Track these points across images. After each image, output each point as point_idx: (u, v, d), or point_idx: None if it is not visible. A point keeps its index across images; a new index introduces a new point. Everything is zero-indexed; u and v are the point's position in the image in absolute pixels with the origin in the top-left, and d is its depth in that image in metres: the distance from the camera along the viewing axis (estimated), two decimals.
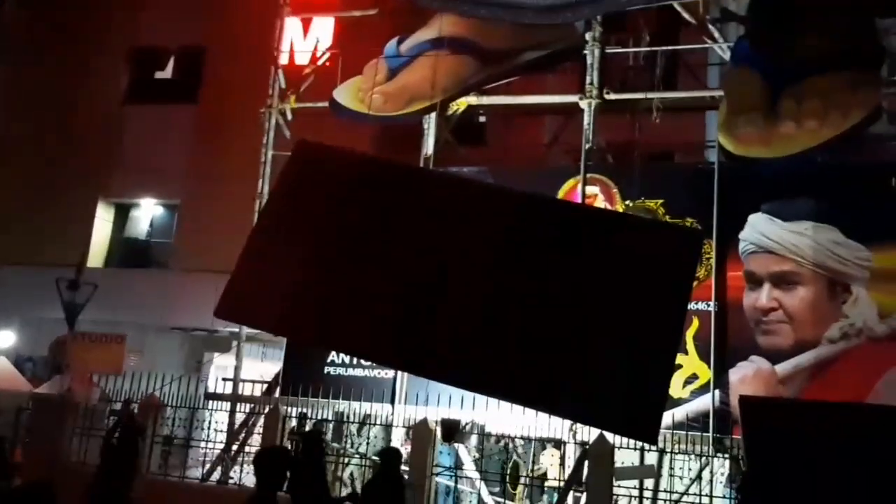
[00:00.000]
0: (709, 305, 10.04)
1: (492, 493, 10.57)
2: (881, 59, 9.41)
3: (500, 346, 3.38)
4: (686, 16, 11.06)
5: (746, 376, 9.68)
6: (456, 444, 10.36)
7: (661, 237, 3.80)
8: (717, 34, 11.14)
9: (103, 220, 18.51)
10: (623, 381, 3.26)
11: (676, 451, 9.35)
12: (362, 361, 11.46)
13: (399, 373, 11.10)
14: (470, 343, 3.40)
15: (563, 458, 10.09)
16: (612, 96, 11.19)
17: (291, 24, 13.67)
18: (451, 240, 3.63)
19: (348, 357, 11.54)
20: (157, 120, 18.00)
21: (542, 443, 10.29)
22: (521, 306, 3.45)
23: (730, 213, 10.05)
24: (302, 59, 13.52)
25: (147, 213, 18.87)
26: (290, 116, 13.13)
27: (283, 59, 13.47)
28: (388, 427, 10.72)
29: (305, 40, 13.69)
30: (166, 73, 18.97)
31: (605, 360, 3.31)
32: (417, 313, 3.49)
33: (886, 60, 10.25)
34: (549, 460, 10.83)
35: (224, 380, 12.58)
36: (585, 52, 11.24)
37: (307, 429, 11.88)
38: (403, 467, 8.61)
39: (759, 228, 9.92)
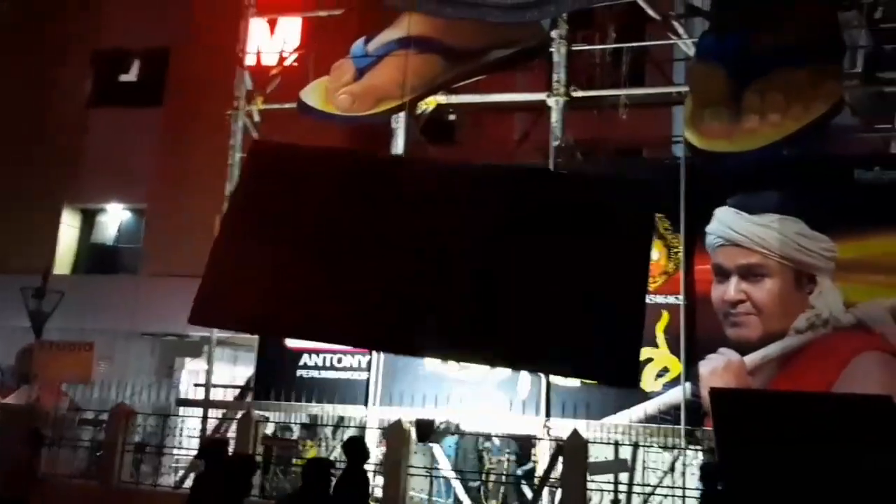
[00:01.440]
0: (678, 299, 10.13)
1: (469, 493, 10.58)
2: (842, 53, 9.56)
3: (477, 313, 3.44)
4: (651, 12, 11.15)
5: (716, 368, 9.79)
6: (431, 444, 10.35)
7: (617, 192, 3.87)
8: (681, 30, 11.23)
9: (69, 227, 18.26)
10: (598, 331, 3.34)
11: (649, 444, 9.43)
12: (335, 363, 11.43)
13: (373, 374, 11.09)
14: (447, 314, 3.46)
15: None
16: (580, 93, 11.25)
17: (257, 25, 13.55)
18: (414, 219, 3.69)
19: (321, 359, 11.50)
20: (123, 123, 17.77)
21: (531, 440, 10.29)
22: (493, 273, 3.51)
23: (697, 207, 10.15)
24: (269, 59, 13.41)
25: (114, 218, 18.63)
26: (257, 118, 13.03)
27: (250, 61, 13.35)
28: (362, 429, 10.69)
29: (272, 41, 13.59)
30: (131, 75, 18.73)
31: (579, 313, 3.38)
32: (390, 293, 3.53)
33: (847, 53, 10.41)
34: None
35: (196, 385, 12.46)
36: (552, 49, 11.29)
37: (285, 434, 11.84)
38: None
39: (725, 222, 10.03)
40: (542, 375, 10.28)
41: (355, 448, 6.78)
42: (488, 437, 11.02)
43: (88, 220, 18.61)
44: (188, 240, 14.95)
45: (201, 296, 3.64)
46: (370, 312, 3.59)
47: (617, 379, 3.60)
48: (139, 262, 17.55)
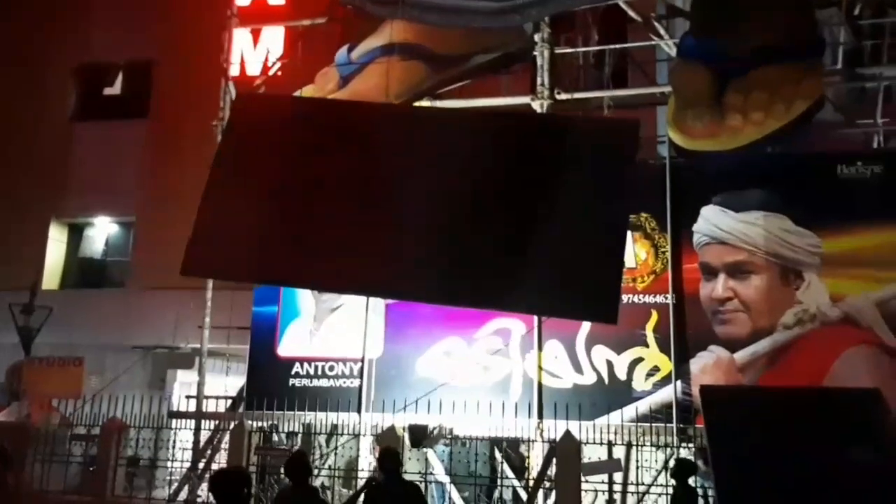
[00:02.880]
0: (667, 298, 10.19)
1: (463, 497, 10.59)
2: (822, 49, 9.64)
3: (460, 257, 3.48)
4: (632, 14, 11.22)
5: (706, 366, 9.85)
6: (425, 449, 10.37)
7: (599, 130, 3.90)
8: (662, 31, 11.32)
9: (57, 241, 18.18)
10: (578, 269, 3.35)
11: (642, 443, 9.47)
12: (327, 371, 11.44)
13: (365, 381, 11.10)
14: (434, 259, 3.49)
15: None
16: (564, 96, 11.29)
17: (241, 35, 13.55)
18: (398, 165, 3.72)
19: (312, 368, 11.51)
20: (108, 137, 17.73)
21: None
22: (475, 217, 3.54)
23: (683, 206, 10.22)
24: (253, 69, 13.42)
25: (102, 231, 18.57)
26: None
27: (234, 71, 13.36)
28: (356, 436, 10.69)
29: (256, 50, 13.60)
30: (115, 89, 18.68)
31: (560, 253, 3.40)
32: (373, 239, 3.56)
33: (827, 50, 10.51)
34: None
35: (187, 397, 12.43)
36: (535, 53, 11.34)
37: (276, 442, 11.81)
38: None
39: (711, 220, 10.11)
40: (535, 378, 10.34)
41: (297, 466, 6.20)
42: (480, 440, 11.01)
43: (76, 235, 18.54)
44: (176, 252, 14.88)
45: (192, 247, 3.70)
46: (355, 258, 3.62)
47: (599, 315, 3.61)
48: (128, 275, 17.49)
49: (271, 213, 3.75)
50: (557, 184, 3.63)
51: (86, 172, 17.50)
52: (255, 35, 13.59)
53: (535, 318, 10.19)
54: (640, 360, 10.14)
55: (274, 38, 13.53)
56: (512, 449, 11.74)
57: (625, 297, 10.09)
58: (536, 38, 11.32)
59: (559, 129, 4.07)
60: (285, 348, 11.77)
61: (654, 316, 10.21)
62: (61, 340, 13.97)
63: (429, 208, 3.64)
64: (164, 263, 15.42)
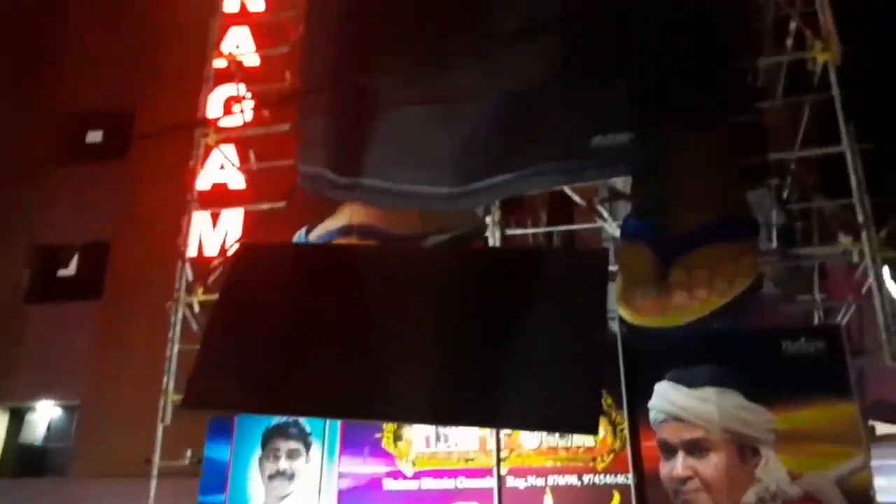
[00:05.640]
0: (627, 478, 10.03)
1: None
2: (757, 229, 10.14)
3: (445, 383, 3.65)
4: (576, 198, 11.79)
5: None
6: None
7: (569, 262, 4.15)
8: (606, 214, 11.87)
9: None
10: (557, 386, 3.45)
11: None
12: None
13: None
14: (420, 384, 3.67)
15: None
16: None
17: (200, 217, 13.84)
18: (390, 300, 4.02)
19: None
20: (59, 318, 17.50)
21: None
22: (458, 345, 3.75)
23: (637, 382, 10.29)
24: (211, 250, 13.60)
25: (44, 416, 17.88)
26: (197, 309, 13.00)
27: (191, 252, 13.52)
28: None
29: (214, 232, 13.85)
30: (69, 270, 18.68)
31: (539, 374, 3.52)
32: (368, 368, 3.81)
33: (763, 230, 11.08)
34: None
35: None
36: (487, 234, 11.75)
37: None
38: None
39: (666, 396, 10.16)
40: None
41: None
42: None
43: (16, 420, 17.80)
44: (123, 438, 14.42)
45: (193, 382, 3.96)
46: (349, 387, 3.87)
47: (579, 426, 3.69)
48: (70, 462, 16.70)
49: (270, 348, 4.07)
50: (534, 311, 3.89)
51: (32, 355, 17.12)
52: (215, 218, 13.90)
53: None
54: None
55: (233, 220, 13.85)
56: None
57: (585, 478, 9.91)
58: (488, 220, 11.78)
59: (534, 261, 4.42)
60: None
61: (616, 497, 9.99)
62: None
63: (416, 337, 3.95)
64: (108, 450, 15.00)
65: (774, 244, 11.47)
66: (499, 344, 3.80)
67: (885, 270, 10.86)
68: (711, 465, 9.85)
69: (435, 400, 3.80)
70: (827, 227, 11.30)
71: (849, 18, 11.54)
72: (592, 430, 3.53)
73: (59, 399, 17.54)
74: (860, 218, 10.41)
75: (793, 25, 11.78)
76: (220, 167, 14.35)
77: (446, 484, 10.60)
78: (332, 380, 3.93)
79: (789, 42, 12.00)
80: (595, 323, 3.98)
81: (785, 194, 12.35)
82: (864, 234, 10.35)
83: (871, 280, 10.29)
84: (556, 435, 10.22)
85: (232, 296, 4.52)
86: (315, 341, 4.03)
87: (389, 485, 10.74)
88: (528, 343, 3.78)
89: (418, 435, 10.88)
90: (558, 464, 10.38)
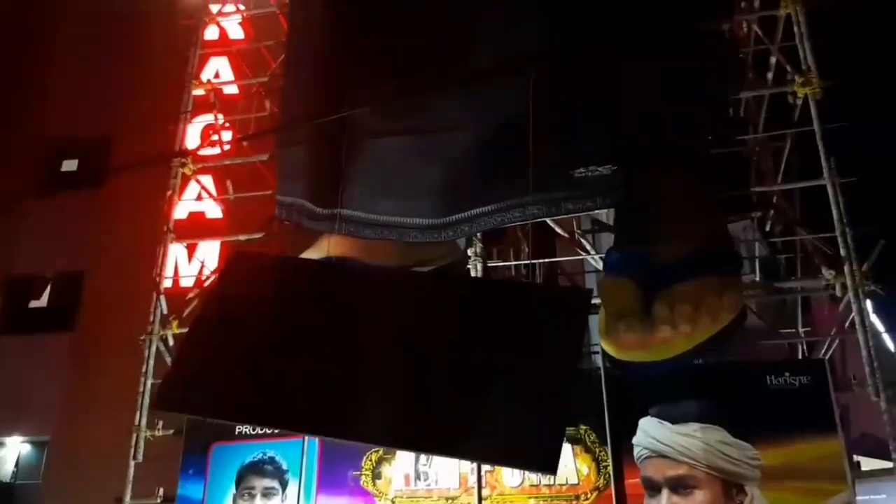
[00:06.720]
0: None
1: None
2: (740, 262, 10.07)
3: (417, 410, 3.63)
4: (558, 230, 11.66)
5: None
6: None
7: (549, 300, 4.20)
8: (588, 246, 11.74)
9: None
10: (523, 422, 3.43)
11: None
12: None
13: None
14: (391, 409, 3.65)
15: None
16: None
17: (176, 249, 13.60)
18: (362, 321, 4.04)
19: None
20: (29, 350, 17.08)
21: None
22: (431, 372, 3.74)
23: (621, 417, 10.10)
24: (186, 281, 13.34)
25: (12, 452, 17.37)
26: (171, 342, 12.71)
27: (167, 284, 13.25)
28: None
29: (190, 264, 13.59)
30: (41, 301, 18.27)
31: (506, 409, 3.50)
32: (335, 386, 3.80)
33: (746, 264, 10.97)
34: None
35: None
36: (469, 266, 11.58)
37: None
38: None
39: (650, 432, 9.97)
40: None
41: None
42: None
43: None
44: (94, 475, 14.03)
45: (167, 385, 3.92)
46: (319, 404, 3.83)
47: (538, 464, 3.66)
48: (39, 500, 16.20)
49: (247, 359, 4.03)
50: (508, 345, 3.86)
51: (2, 389, 16.65)
52: (191, 249, 13.65)
53: None
54: None
55: (209, 251, 13.60)
56: None
57: None
58: (469, 252, 11.61)
59: (514, 295, 4.43)
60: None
61: None
62: None
63: (390, 362, 3.91)
64: (78, 486, 14.53)
65: (758, 277, 11.38)
66: (470, 376, 3.74)
67: (868, 304, 10.78)
68: (696, 502, 9.64)
69: (401, 426, 3.72)
70: (811, 260, 11.23)
71: (829, 53, 11.59)
72: (550, 470, 3.45)
73: (28, 434, 17.04)
74: (842, 251, 10.34)
75: (773, 59, 11.81)
76: (198, 197, 14.13)
77: None
78: (305, 396, 3.88)
79: (770, 76, 12.03)
80: (567, 362, 3.91)
81: (768, 226, 12.30)
82: (846, 268, 10.28)
83: (854, 314, 10.20)
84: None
85: (217, 302, 4.51)
86: (291, 357, 3.99)
87: None
88: (499, 377, 3.73)
89: (398, 472, 10.61)
90: (541, 502, 10.15)
